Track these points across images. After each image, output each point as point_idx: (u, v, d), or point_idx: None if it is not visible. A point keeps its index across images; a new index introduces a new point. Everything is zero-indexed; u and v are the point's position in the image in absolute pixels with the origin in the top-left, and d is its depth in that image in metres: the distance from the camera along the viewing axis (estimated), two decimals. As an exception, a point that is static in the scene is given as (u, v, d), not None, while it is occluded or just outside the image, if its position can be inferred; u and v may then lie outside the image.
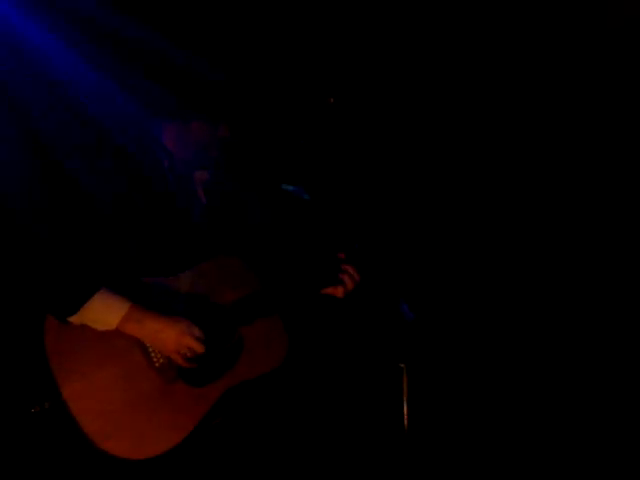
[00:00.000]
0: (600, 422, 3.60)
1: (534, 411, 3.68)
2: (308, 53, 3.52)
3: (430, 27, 3.61)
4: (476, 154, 3.72)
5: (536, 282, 3.66)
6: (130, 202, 2.40)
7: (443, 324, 3.68)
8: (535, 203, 3.66)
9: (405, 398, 2.84)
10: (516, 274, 3.62)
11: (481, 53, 3.63)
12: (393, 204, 3.73)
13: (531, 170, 3.69)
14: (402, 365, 2.85)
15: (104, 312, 2.25)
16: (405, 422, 2.85)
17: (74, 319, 2.23)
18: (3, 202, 2.26)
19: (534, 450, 3.63)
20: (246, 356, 2.44)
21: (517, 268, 3.61)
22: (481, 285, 3.61)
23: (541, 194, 3.66)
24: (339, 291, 2.62)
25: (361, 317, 2.81)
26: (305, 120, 2.73)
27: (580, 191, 3.66)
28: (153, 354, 2.33)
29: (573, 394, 3.65)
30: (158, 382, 2.31)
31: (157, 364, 2.33)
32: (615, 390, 3.61)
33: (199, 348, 2.33)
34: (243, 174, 2.70)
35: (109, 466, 2.22)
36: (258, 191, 2.72)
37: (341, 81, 3.52)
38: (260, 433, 2.69)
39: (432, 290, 2.83)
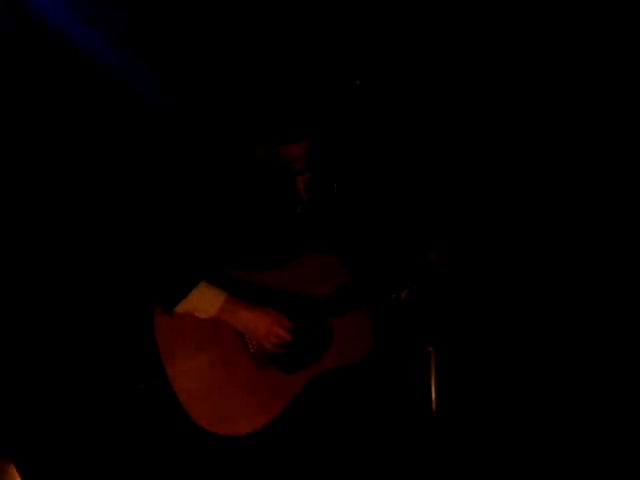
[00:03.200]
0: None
1: (569, 395, 3.66)
2: (333, 35, 3.50)
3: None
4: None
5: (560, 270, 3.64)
6: (233, 201, 2.64)
7: (471, 307, 3.67)
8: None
9: (433, 382, 2.85)
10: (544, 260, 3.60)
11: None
12: (421, 189, 3.71)
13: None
14: (430, 348, 2.86)
15: (203, 302, 2.52)
16: (433, 406, 2.85)
17: (178, 308, 2.50)
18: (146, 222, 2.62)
19: (571, 433, 3.61)
20: (335, 346, 2.67)
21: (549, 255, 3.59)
22: (510, 268, 3.58)
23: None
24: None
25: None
26: (330, 104, 2.72)
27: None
28: (248, 341, 2.58)
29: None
30: (252, 366, 2.57)
31: (252, 350, 2.58)
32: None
33: (286, 336, 2.57)
34: (339, 174, 2.85)
35: (199, 439, 2.51)
36: (354, 190, 2.93)
37: (367, 63, 3.49)
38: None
39: (461, 274, 2.82)
